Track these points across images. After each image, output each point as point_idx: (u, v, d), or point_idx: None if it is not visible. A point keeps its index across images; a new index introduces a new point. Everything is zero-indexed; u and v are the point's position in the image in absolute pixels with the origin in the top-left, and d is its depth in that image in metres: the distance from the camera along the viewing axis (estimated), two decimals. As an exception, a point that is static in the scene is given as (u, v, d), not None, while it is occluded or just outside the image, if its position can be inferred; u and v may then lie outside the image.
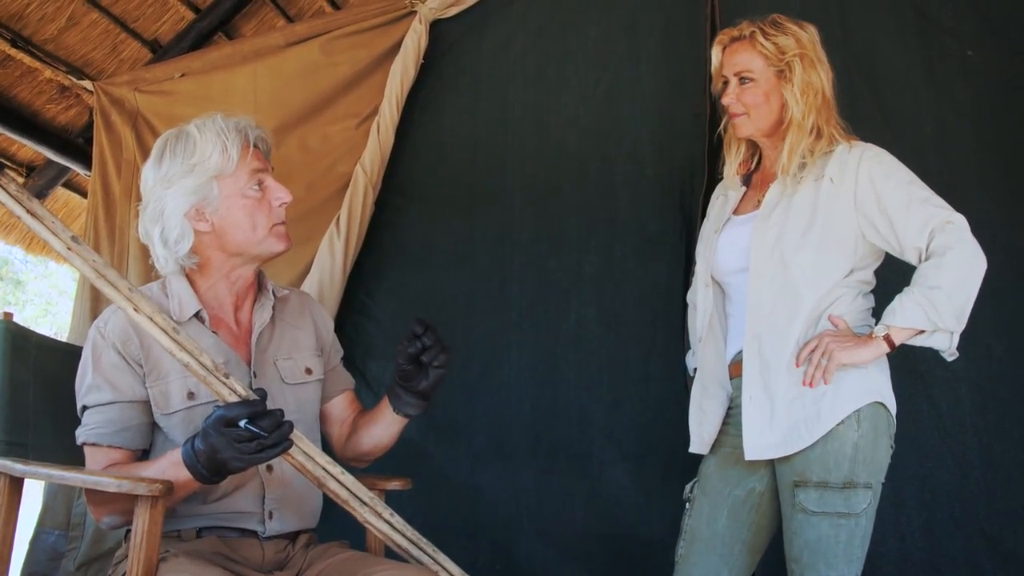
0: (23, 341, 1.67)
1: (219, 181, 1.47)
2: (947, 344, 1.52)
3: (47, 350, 1.73)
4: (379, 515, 1.40)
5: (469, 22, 2.76)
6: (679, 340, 2.27)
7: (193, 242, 1.48)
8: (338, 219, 2.64)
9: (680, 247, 2.38)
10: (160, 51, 3.52)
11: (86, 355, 1.44)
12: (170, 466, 1.30)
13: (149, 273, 2.77)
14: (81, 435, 1.42)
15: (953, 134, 2.21)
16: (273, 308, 1.59)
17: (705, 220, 1.86)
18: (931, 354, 1.57)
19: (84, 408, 1.43)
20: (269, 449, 1.25)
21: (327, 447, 1.66)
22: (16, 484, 1.47)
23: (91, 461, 1.41)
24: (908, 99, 2.26)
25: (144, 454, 1.45)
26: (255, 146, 1.53)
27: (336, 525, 1.69)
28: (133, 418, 1.42)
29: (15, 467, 1.44)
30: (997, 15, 2.24)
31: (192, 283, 1.52)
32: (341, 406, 1.69)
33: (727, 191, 1.82)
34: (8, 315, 1.69)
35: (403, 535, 1.42)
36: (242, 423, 1.23)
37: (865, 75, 2.24)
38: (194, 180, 1.45)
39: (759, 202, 1.69)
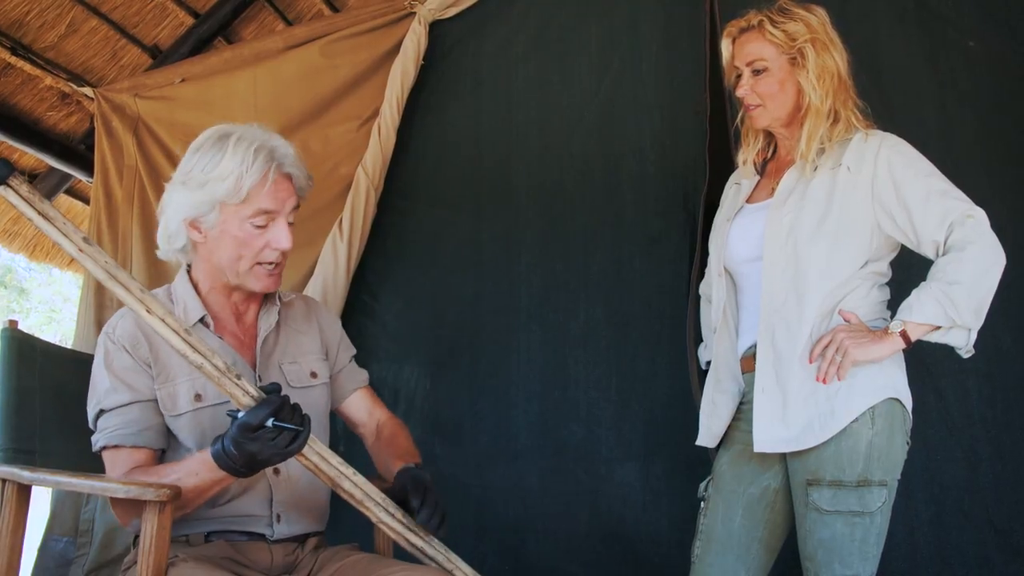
0: (29, 348, 1.67)
1: (222, 207, 1.45)
2: (964, 341, 1.48)
3: (53, 357, 1.74)
4: (392, 515, 1.40)
5: (469, 23, 2.76)
6: (685, 339, 2.26)
7: (188, 242, 1.50)
8: (340, 221, 2.64)
9: (684, 245, 2.37)
10: (160, 57, 3.51)
11: (98, 361, 1.45)
12: (204, 466, 1.30)
13: (153, 279, 2.79)
14: (100, 439, 1.41)
15: (957, 125, 2.20)
16: (279, 313, 1.59)
17: (718, 209, 1.84)
18: (938, 346, 1.54)
19: (101, 412, 1.42)
20: (298, 437, 1.27)
21: (364, 449, 1.68)
22: (24, 491, 1.47)
23: (113, 464, 1.40)
24: (911, 90, 2.26)
25: (163, 454, 1.45)
26: (288, 179, 1.49)
27: (344, 527, 1.69)
28: (152, 417, 1.43)
29: (22, 474, 1.44)
30: (996, 5, 2.23)
31: (196, 286, 1.53)
32: (358, 404, 1.70)
33: (740, 180, 1.80)
34: (13, 323, 1.69)
35: (417, 535, 1.42)
36: (269, 423, 1.25)
37: (867, 67, 2.22)
38: (200, 196, 1.44)
39: (773, 190, 1.66)
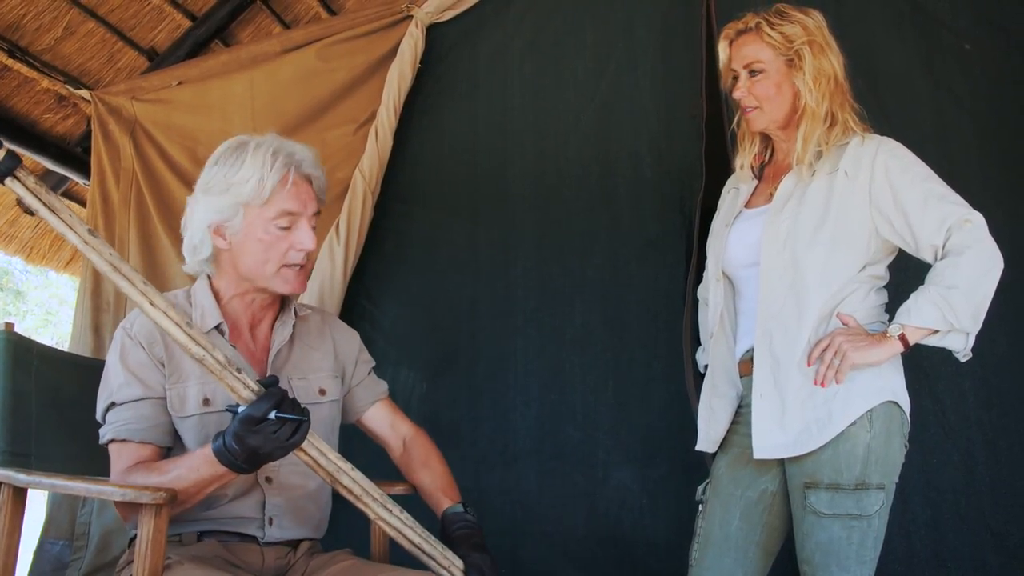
0: (24, 351, 1.67)
1: (246, 209, 1.47)
2: (962, 345, 1.48)
3: (49, 360, 1.73)
4: (391, 511, 1.40)
5: (465, 27, 2.77)
6: (680, 342, 2.26)
7: (212, 252, 1.51)
8: (337, 225, 2.64)
9: (681, 249, 2.37)
10: (157, 59, 3.52)
11: (113, 355, 1.46)
12: (205, 463, 1.30)
13: (149, 281, 2.79)
14: (109, 432, 1.42)
15: (952, 128, 2.21)
16: (293, 327, 1.60)
17: (716, 214, 1.83)
18: (935, 350, 1.54)
19: (112, 405, 1.43)
20: (300, 428, 1.27)
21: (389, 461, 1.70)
22: (20, 494, 1.46)
23: (117, 458, 1.41)
24: (906, 93, 2.26)
25: (168, 452, 1.45)
26: (308, 182, 1.52)
27: (341, 534, 1.68)
28: (162, 415, 1.43)
29: (18, 477, 1.43)
30: (992, 8, 2.23)
31: (216, 293, 1.54)
32: (379, 416, 1.72)
33: (738, 184, 1.79)
34: (9, 325, 1.68)
35: (414, 531, 1.42)
36: (272, 415, 1.25)
37: (863, 70, 2.23)
38: (224, 200, 1.47)
39: (771, 195, 1.66)
